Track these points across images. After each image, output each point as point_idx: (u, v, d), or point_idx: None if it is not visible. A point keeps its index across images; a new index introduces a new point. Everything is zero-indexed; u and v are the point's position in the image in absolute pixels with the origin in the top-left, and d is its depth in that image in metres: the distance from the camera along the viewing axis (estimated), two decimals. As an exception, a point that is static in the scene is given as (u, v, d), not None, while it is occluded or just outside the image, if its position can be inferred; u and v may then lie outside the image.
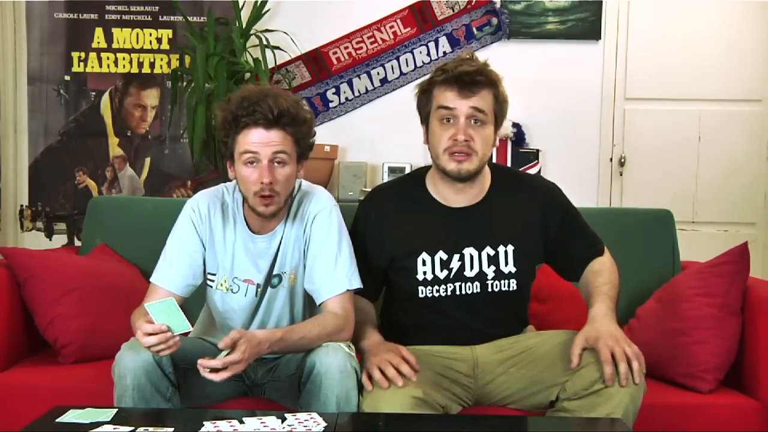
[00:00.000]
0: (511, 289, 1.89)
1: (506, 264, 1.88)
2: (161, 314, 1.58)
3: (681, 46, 3.68)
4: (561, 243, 1.96)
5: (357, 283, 1.84)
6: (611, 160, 3.72)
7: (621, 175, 3.73)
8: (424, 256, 1.88)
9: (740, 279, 2.07)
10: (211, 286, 1.91)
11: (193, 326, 2.09)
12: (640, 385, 1.67)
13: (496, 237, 1.89)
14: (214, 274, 1.90)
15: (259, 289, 1.88)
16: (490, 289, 1.88)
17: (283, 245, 1.88)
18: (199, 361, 1.57)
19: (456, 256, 1.88)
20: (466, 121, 1.81)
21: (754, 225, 3.73)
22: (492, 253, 1.88)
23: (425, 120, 1.90)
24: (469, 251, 1.88)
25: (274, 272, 1.88)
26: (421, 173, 2.00)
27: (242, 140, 1.76)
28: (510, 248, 1.88)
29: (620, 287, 1.93)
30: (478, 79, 1.81)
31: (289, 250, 1.88)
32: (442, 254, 1.88)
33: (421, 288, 1.89)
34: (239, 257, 1.88)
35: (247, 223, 1.88)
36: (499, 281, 1.89)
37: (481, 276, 1.88)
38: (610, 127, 3.72)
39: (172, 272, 1.85)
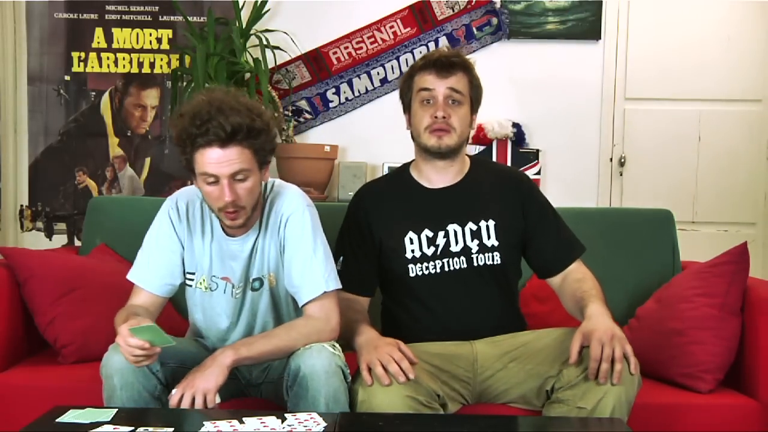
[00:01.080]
0: (495, 262, 1.96)
1: (489, 237, 1.97)
2: (144, 334, 1.58)
3: (681, 45, 3.67)
4: (538, 236, 2.01)
5: (334, 284, 1.84)
6: (611, 160, 3.72)
7: (621, 175, 3.73)
8: (411, 234, 1.97)
9: (740, 279, 2.07)
10: (191, 286, 1.89)
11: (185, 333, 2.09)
12: (634, 375, 1.68)
13: (477, 213, 1.98)
14: (193, 273, 1.89)
15: (234, 290, 1.87)
16: (475, 263, 1.96)
17: (259, 248, 1.86)
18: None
19: (441, 233, 1.97)
20: (445, 100, 1.95)
21: (754, 225, 3.73)
22: (474, 228, 1.97)
23: (407, 107, 2.03)
24: (453, 227, 1.97)
25: (254, 276, 1.87)
26: (405, 165, 2.11)
27: (200, 160, 1.71)
28: (491, 223, 1.97)
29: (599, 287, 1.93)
30: (454, 61, 1.97)
31: (266, 252, 1.86)
32: (427, 232, 1.97)
33: (411, 266, 1.96)
34: (215, 257, 1.87)
35: (221, 224, 1.86)
36: (484, 254, 1.96)
37: (466, 250, 1.96)
38: (610, 127, 3.71)
39: (150, 272, 1.85)
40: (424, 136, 1.96)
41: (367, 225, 2.01)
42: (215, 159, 1.69)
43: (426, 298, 1.96)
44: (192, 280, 1.89)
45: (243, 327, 1.89)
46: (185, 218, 1.88)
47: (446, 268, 1.95)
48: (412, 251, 1.96)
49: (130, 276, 1.87)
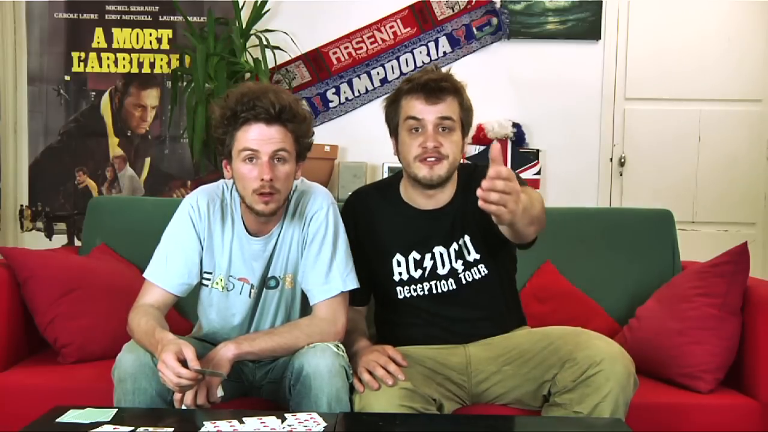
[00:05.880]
0: (482, 274, 1.92)
1: (469, 253, 1.92)
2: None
3: (681, 45, 3.68)
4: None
5: (352, 283, 1.85)
6: (611, 160, 3.72)
7: (621, 175, 3.73)
8: (399, 257, 1.93)
9: (740, 279, 2.07)
10: (207, 285, 1.89)
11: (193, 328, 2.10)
12: (630, 375, 1.67)
13: (458, 232, 1.93)
14: (211, 273, 1.88)
15: (253, 290, 1.87)
16: (464, 281, 1.92)
17: (278, 248, 1.86)
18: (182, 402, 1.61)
19: (428, 255, 1.93)
20: (434, 128, 1.84)
21: (754, 225, 3.73)
22: (456, 247, 1.93)
23: (394, 132, 1.94)
24: (439, 249, 1.93)
25: (270, 275, 1.87)
26: (395, 179, 2.03)
27: (242, 137, 1.73)
28: (467, 238, 1.92)
29: (542, 214, 1.73)
30: (444, 86, 1.85)
31: (285, 253, 1.86)
32: (415, 254, 1.93)
33: (399, 289, 1.94)
34: (235, 257, 1.86)
35: (244, 224, 1.86)
36: (469, 270, 1.92)
37: (453, 272, 1.92)
38: (610, 127, 3.72)
39: (167, 270, 1.83)
40: (414, 166, 1.87)
41: (356, 237, 1.95)
42: (259, 135, 1.72)
43: (415, 315, 1.94)
44: (209, 279, 1.88)
45: (255, 326, 1.89)
46: (206, 217, 1.86)
47: (434, 291, 1.92)
48: (400, 273, 1.93)
49: (147, 274, 1.85)
